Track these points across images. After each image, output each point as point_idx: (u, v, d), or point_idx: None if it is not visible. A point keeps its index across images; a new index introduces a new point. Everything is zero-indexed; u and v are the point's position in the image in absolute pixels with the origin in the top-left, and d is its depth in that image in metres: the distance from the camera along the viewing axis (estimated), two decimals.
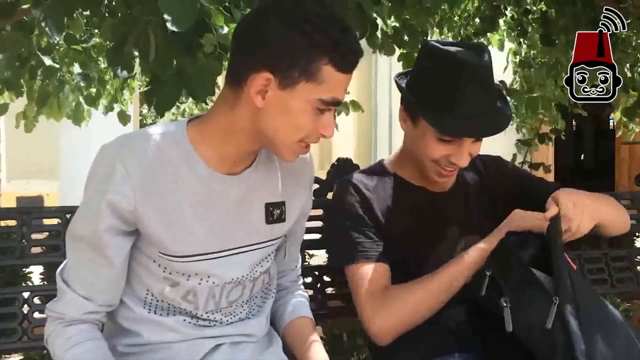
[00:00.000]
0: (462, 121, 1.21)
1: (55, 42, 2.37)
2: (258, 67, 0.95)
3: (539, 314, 1.06)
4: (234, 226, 1.07)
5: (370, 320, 1.24)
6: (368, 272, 1.26)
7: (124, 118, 3.98)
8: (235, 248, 1.08)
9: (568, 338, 1.03)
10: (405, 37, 2.49)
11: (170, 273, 1.05)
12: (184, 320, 1.09)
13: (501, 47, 3.94)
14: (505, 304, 1.10)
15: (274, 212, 1.12)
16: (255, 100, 0.96)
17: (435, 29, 3.37)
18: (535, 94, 3.57)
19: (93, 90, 3.67)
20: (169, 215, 1.01)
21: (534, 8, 3.11)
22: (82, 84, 3.47)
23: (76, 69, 3.46)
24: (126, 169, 0.97)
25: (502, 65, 4.09)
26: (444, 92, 1.21)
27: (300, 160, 1.17)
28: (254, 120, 0.99)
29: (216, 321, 1.11)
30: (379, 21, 2.15)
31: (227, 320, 1.13)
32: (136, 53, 1.63)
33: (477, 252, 1.22)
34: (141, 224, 1.00)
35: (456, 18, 3.50)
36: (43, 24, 1.45)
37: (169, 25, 1.19)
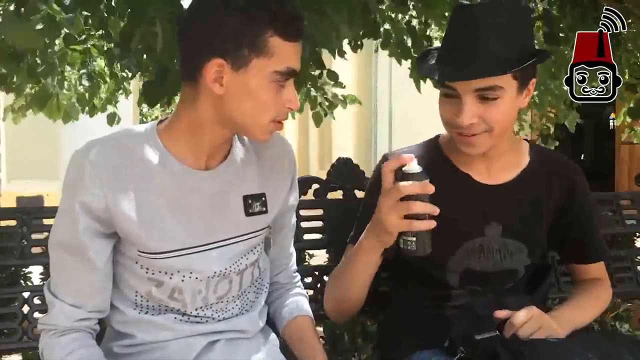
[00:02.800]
0: (443, 66, 1.15)
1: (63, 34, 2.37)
2: (208, 56, 0.97)
3: None
4: (213, 220, 1.07)
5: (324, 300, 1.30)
6: (345, 254, 1.26)
7: (112, 119, 3.99)
8: (216, 242, 1.08)
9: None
10: (409, 44, 2.49)
11: (153, 273, 1.05)
12: (175, 318, 1.09)
13: None
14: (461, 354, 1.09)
15: (254, 204, 1.12)
16: (213, 88, 0.98)
17: (434, 27, 3.36)
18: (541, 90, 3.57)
19: (81, 89, 3.66)
20: (144, 214, 1.01)
21: (536, 7, 3.10)
22: (85, 83, 3.46)
23: (68, 68, 3.45)
24: (95, 170, 0.98)
25: None
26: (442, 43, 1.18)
27: (279, 149, 1.18)
28: (219, 109, 1.01)
29: (208, 317, 1.11)
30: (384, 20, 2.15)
31: (219, 316, 1.13)
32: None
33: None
34: (116, 223, 1.01)
35: None
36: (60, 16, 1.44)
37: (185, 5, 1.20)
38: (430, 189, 1.03)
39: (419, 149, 1.29)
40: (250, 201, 1.12)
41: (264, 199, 1.14)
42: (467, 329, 1.10)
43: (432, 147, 1.30)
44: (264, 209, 1.14)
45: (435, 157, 1.27)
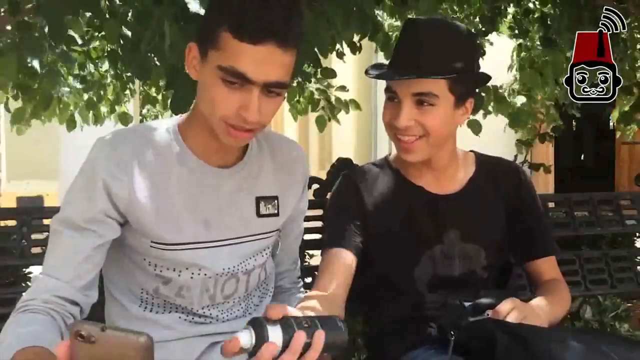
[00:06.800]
0: (387, 70, 1.29)
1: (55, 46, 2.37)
2: (193, 39, 1.00)
3: None
4: (225, 218, 1.08)
5: None
6: (332, 260, 1.23)
7: (125, 119, 3.97)
8: (227, 239, 1.09)
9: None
10: None
11: (161, 270, 1.06)
12: (179, 317, 1.10)
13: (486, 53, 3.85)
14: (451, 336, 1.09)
15: (266, 206, 1.13)
16: (190, 72, 1.00)
17: None
18: (527, 94, 3.56)
19: (86, 94, 3.64)
20: (161, 205, 1.03)
21: (534, 7, 3.11)
22: (79, 86, 3.44)
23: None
24: (120, 157, 1.00)
25: (506, 64, 4.06)
26: None
27: (294, 154, 1.20)
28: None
29: (212, 317, 1.12)
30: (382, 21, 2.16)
31: (224, 317, 1.13)
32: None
33: None
34: (133, 211, 1.01)
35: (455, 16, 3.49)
36: (46, 30, 1.45)
37: (190, 6, 1.20)
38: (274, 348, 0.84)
39: (373, 167, 1.38)
40: (262, 203, 1.13)
41: (276, 201, 1.15)
42: (456, 316, 1.11)
43: (383, 165, 1.38)
44: (276, 211, 1.15)
45: (389, 173, 1.35)
